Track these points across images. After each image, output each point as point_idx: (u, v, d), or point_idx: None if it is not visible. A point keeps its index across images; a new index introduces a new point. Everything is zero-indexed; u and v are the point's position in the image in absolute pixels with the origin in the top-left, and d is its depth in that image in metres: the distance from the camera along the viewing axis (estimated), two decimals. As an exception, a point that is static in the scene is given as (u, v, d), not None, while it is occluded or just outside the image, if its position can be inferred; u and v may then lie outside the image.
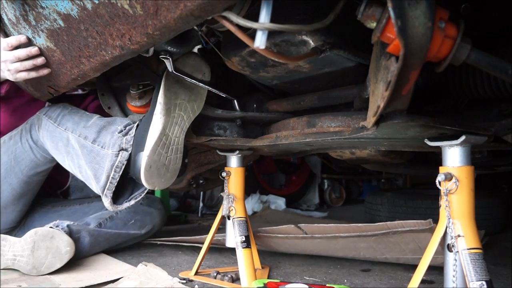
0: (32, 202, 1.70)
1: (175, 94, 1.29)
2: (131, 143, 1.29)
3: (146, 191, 1.36)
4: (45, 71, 1.21)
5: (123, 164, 1.28)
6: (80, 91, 1.90)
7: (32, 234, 1.34)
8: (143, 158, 1.22)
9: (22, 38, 1.16)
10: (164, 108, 1.25)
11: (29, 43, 1.18)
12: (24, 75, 1.22)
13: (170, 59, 1.20)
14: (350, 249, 1.49)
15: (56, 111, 1.49)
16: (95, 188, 1.33)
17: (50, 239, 1.34)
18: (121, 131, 1.31)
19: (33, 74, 1.21)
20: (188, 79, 1.28)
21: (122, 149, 1.29)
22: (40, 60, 1.18)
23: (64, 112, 1.47)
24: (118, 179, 1.29)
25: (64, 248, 1.36)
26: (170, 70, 1.23)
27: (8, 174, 1.56)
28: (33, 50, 1.16)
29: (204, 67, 1.32)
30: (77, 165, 1.39)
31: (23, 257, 1.32)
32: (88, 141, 1.35)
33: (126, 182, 1.36)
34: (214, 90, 1.33)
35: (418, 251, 1.33)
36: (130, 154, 1.28)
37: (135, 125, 1.32)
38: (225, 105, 1.42)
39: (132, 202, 1.35)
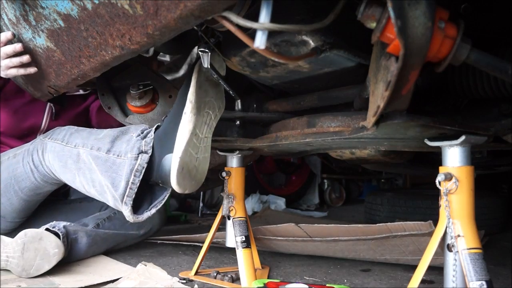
0: None
1: (205, 92, 1.23)
2: (151, 145, 1.22)
3: (166, 199, 1.29)
4: (31, 70, 1.23)
5: (143, 168, 1.20)
6: (81, 91, 1.89)
7: (22, 236, 1.31)
8: (175, 160, 1.14)
9: (9, 35, 1.18)
10: (195, 106, 1.18)
11: (15, 39, 1.19)
12: (14, 72, 1.24)
13: (210, 53, 1.13)
14: (349, 250, 1.49)
15: (61, 133, 1.43)
16: (112, 200, 1.25)
17: (38, 241, 1.31)
18: (139, 135, 1.25)
19: (21, 71, 1.23)
20: (216, 76, 1.22)
21: (141, 152, 1.21)
22: (25, 58, 1.20)
23: (71, 131, 1.42)
24: (138, 184, 1.21)
25: (52, 250, 1.33)
26: (206, 65, 1.16)
27: (7, 190, 1.51)
28: (17, 46, 1.18)
29: (224, 64, 1.27)
30: (90, 180, 1.31)
31: (14, 258, 1.30)
32: (101, 152, 1.28)
33: (143, 192, 1.27)
34: (227, 88, 1.29)
35: (418, 252, 1.33)
36: (151, 157, 1.22)
37: (154, 128, 1.27)
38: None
39: (153, 211, 1.26)
